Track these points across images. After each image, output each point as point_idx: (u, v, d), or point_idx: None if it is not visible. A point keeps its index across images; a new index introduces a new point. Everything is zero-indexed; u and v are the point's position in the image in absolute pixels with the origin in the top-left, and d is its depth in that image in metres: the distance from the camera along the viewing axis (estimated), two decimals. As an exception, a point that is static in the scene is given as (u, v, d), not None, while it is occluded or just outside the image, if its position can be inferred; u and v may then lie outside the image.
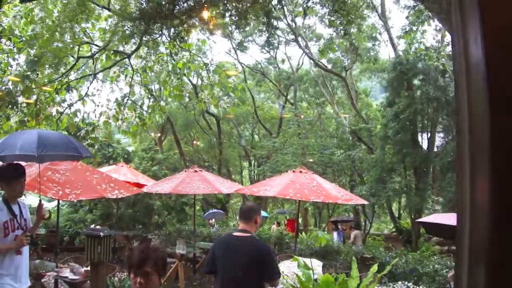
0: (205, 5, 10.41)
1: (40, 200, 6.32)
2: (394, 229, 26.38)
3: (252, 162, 34.81)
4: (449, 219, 6.20)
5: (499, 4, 0.82)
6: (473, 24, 0.84)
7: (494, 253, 0.80)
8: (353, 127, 24.83)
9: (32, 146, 6.06)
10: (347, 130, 24.75)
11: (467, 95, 0.87)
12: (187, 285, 11.85)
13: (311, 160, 24.37)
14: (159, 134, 32.84)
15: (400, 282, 9.85)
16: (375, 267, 7.11)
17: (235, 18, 11.26)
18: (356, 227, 19.21)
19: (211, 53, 29.29)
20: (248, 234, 5.19)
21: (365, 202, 13.74)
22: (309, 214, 32.96)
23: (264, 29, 16.97)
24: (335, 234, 18.33)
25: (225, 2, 10.62)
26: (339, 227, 19.36)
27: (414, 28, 19.24)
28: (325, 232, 16.97)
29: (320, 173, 20.98)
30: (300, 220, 28.21)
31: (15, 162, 5.73)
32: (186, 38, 12.89)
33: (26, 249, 5.37)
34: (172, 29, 11.70)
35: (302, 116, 27.48)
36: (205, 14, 10.48)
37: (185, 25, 11.20)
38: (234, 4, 10.72)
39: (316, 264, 9.51)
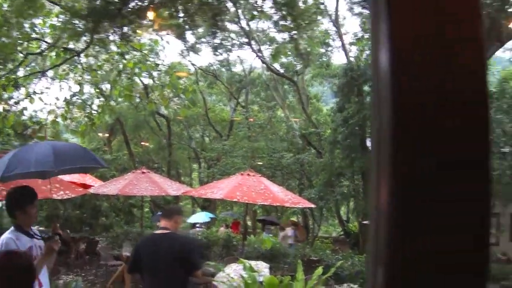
0: (154, 5, 10.36)
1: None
2: (342, 232, 26.77)
3: (202, 164, 34.76)
4: None
5: (405, 13, 0.85)
6: (383, 32, 0.87)
7: (391, 255, 0.84)
8: (303, 131, 25.06)
9: (49, 160, 5.58)
10: (297, 134, 24.97)
11: (377, 104, 0.91)
12: (133, 288, 11.70)
13: (260, 163, 24.51)
14: (107, 135, 32.34)
15: (346, 285, 10.01)
16: (320, 270, 7.20)
17: (183, 19, 11.24)
18: (281, 228, 19.32)
19: (164, 54, 29.18)
20: (169, 231, 5.32)
21: (313, 205, 13.95)
22: (258, 216, 33.08)
23: (212, 31, 17.00)
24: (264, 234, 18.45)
25: (174, 2, 10.59)
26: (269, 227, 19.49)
27: (366, 36, 19.62)
28: (271, 235, 17.03)
29: (269, 176, 21.09)
30: (249, 223, 28.31)
31: (22, 183, 5.27)
32: (136, 37, 12.78)
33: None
34: (122, 28, 11.58)
35: (251, 120, 27.66)
36: (153, 14, 10.43)
37: (133, 25, 11.11)
38: (182, 5, 10.70)
39: (263, 267, 9.55)
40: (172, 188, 13.79)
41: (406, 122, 0.85)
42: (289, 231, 19.16)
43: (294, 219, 30.64)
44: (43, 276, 4.60)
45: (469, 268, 0.83)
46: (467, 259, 0.82)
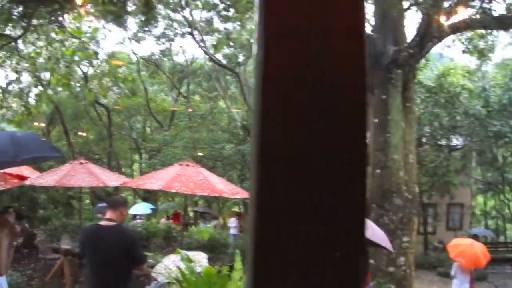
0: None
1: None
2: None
3: (143, 155, 34.47)
4: None
5: (279, 11, 0.89)
6: (260, 28, 0.90)
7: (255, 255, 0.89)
8: (245, 122, 25.19)
9: (9, 150, 5.45)
10: (238, 125, 25.08)
11: (255, 98, 0.93)
12: (73, 282, 11.53)
13: (201, 154, 24.48)
14: (43, 124, 31.46)
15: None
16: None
17: (116, 5, 11.07)
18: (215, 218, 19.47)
19: (106, 42, 28.60)
20: (114, 223, 5.29)
21: (250, 196, 14.06)
22: (198, 207, 33.11)
23: (153, 19, 16.82)
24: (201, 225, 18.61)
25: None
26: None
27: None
28: (209, 226, 17.13)
29: (210, 167, 21.13)
30: (191, 214, 28.32)
31: None
32: (74, 24, 12.53)
33: None
34: (59, 14, 11.33)
35: (190, 110, 27.55)
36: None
37: (69, 11, 10.87)
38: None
39: (201, 257, 9.61)
40: (111, 179, 13.62)
41: (271, 112, 0.87)
42: (232, 221, 19.31)
43: (236, 209, 30.89)
44: None
45: (338, 259, 0.85)
46: (336, 249, 0.85)
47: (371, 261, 9.75)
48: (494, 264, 22.22)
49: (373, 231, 6.05)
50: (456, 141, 24.43)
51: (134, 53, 31.74)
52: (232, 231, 18.81)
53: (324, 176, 0.87)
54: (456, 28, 11.55)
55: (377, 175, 9.52)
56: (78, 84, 21.14)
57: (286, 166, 0.88)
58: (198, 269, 6.50)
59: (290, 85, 0.87)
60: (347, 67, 0.89)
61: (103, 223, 5.44)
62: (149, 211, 23.58)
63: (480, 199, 32.32)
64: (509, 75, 23.91)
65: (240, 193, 12.33)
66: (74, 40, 14.51)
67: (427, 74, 21.02)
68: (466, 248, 12.56)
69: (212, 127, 28.14)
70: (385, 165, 9.47)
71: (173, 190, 11.59)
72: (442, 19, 10.43)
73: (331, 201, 0.87)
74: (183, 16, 26.26)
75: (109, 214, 5.39)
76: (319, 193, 0.87)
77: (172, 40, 30.78)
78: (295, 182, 0.87)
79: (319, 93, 0.88)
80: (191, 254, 8.09)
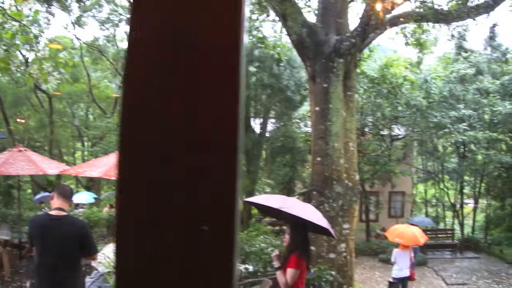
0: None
1: None
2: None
3: (85, 143, 33.78)
4: (273, 200, 6.52)
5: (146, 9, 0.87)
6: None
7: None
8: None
9: None
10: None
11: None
12: (13, 273, 11.18)
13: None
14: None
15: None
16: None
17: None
18: None
19: (49, 26, 27.62)
20: (65, 213, 5.19)
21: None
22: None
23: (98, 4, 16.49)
24: None
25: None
26: None
27: (254, 17, 19.78)
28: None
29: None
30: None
31: None
32: (14, 6, 12.13)
33: None
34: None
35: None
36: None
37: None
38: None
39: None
40: (50, 167, 13.28)
41: (135, 74, 0.86)
42: None
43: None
44: None
45: (207, 233, 0.83)
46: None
47: (312, 247, 9.87)
48: (434, 250, 23.03)
49: (318, 216, 6.11)
50: (398, 131, 24.96)
51: (77, 38, 30.98)
52: None
53: (191, 148, 0.86)
54: (397, 20, 11.75)
55: (318, 163, 9.62)
56: (18, 70, 20.47)
57: (149, 137, 0.86)
58: None
59: (155, 50, 0.85)
60: (219, 28, 0.87)
61: (53, 212, 5.27)
62: (92, 200, 23.11)
63: (420, 187, 33.12)
64: (450, 68, 24.57)
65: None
66: (14, 23, 14.04)
67: (370, 65, 21.33)
68: (403, 230, 13.05)
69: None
70: (326, 153, 9.57)
71: (113, 178, 11.40)
72: (384, 10, 10.58)
73: (199, 174, 0.85)
74: (128, 1, 25.79)
75: (59, 204, 5.24)
76: (185, 166, 0.85)
77: (116, 25, 30.25)
78: (160, 155, 0.86)
79: (185, 56, 0.85)
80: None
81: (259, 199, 7.39)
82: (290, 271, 5.61)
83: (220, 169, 0.85)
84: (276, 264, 5.80)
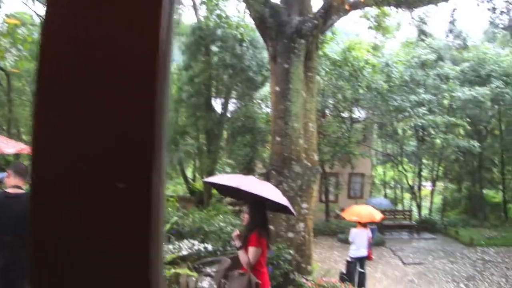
0: None
1: None
2: (187, 191, 27.10)
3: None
4: (232, 179, 6.52)
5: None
6: None
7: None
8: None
9: None
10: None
11: None
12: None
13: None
14: None
15: (186, 240, 10.16)
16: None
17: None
18: None
19: (8, 2, 26.71)
20: (22, 191, 5.11)
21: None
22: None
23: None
24: None
25: None
26: None
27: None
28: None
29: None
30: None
31: None
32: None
33: None
34: None
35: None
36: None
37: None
38: None
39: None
40: (8, 146, 12.95)
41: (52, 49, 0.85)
42: None
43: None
44: None
45: (123, 190, 0.83)
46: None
47: (271, 227, 9.92)
48: (392, 231, 23.45)
49: (277, 194, 6.11)
50: (358, 113, 25.21)
51: (37, 15, 30.12)
52: None
53: (102, 122, 0.84)
54: (359, 3, 11.78)
55: (277, 143, 9.64)
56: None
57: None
58: None
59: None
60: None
61: (9, 190, 5.19)
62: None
63: (380, 169, 33.60)
64: (411, 53, 24.85)
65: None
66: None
67: (333, 48, 21.41)
68: (360, 209, 13.34)
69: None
70: (285, 133, 9.59)
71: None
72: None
73: (113, 132, 0.84)
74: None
75: (15, 182, 5.21)
76: (98, 124, 0.84)
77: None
78: (69, 118, 0.84)
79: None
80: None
81: (218, 179, 7.38)
82: (251, 250, 5.65)
83: (138, 125, 0.84)
84: (237, 243, 5.81)
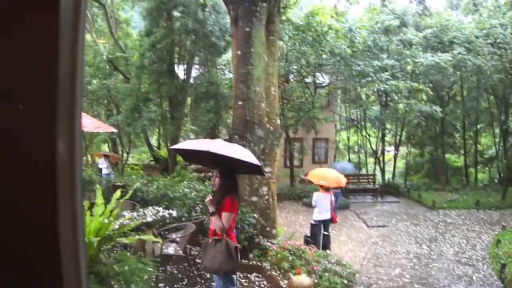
0: None
1: None
2: (152, 158, 26.94)
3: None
4: (200, 144, 6.43)
5: None
6: None
7: None
8: (111, 56, 24.27)
9: None
10: (104, 58, 24.08)
11: None
12: None
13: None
14: None
15: (150, 207, 10.13)
16: (118, 193, 7.19)
17: None
18: None
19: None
20: None
21: (114, 130, 13.77)
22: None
23: None
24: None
25: None
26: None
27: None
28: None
29: (75, 103, 20.20)
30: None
31: None
32: None
33: None
34: None
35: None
36: None
37: None
38: None
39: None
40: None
41: None
42: (101, 162, 18.91)
43: (105, 147, 30.12)
44: None
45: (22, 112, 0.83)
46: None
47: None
48: (356, 194, 23.81)
49: (247, 154, 6.07)
50: (322, 78, 25.26)
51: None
52: (105, 171, 18.41)
53: None
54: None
55: (239, 107, 9.57)
56: None
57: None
58: None
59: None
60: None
61: None
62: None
63: (344, 134, 33.88)
64: (375, 18, 24.89)
65: (102, 127, 12.00)
66: None
67: (296, 12, 21.28)
68: (326, 173, 13.46)
69: (77, 61, 26.61)
70: (247, 97, 9.52)
71: None
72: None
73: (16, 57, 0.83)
74: None
75: None
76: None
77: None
78: None
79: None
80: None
81: (185, 144, 7.27)
82: (225, 215, 5.70)
83: (38, 49, 0.83)
84: (210, 209, 5.82)
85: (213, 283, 8.44)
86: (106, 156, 19.19)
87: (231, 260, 5.71)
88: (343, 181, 13.60)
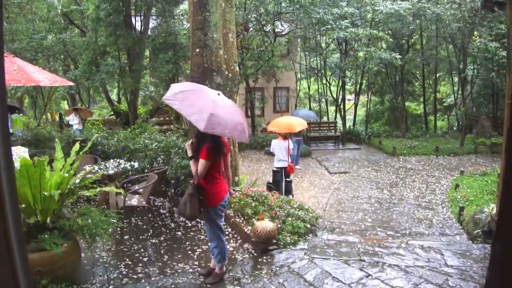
0: None
1: None
2: (112, 113, 26.62)
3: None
4: (192, 97, 6.14)
5: None
6: None
7: None
8: (65, 9, 23.60)
9: None
10: (59, 12, 23.39)
11: None
12: None
13: (19, 46, 22.51)
14: None
15: (112, 160, 10.05)
16: (77, 146, 7.09)
17: None
18: None
19: None
20: None
21: (71, 84, 13.49)
22: (26, 104, 31.20)
23: None
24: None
25: None
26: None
27: None
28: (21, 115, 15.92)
29: (30, 59, 19.70)
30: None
31: None
32: None
33: None
34: None
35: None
36: None
37: None
38: None
39: (21, 151, 9.14)
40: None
41: None
42: (72, 118, 18.56)
43: (64, 103, 29.59)
44: None
45: None
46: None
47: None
48: (318, 142, 24.10)
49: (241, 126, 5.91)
50: (281, 27, 25.09)
51: None
52: (76, 126, 18.09)
53: None
54: None
55: (197, 54, 9.43)
56: None
57: None
58: (18, 164, 6.07)
59: None
60: None
61: None
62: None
63: (304, 83, 33.93)
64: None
65: (59, 81, 11.73)
66: None
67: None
68: (281, 120, 13.66)
69: (31, 16, 25.81)
70: (205, 44, 9.38)
71: None
72: None
73: None
74: None
75: None
76: None
77: None
78: None
79: None
80: (12, 149, 7.57)
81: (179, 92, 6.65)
82: (201, 162, 5.71)
83: None
84: (189, 153, 5.83)
85: (178, 233, 8.52)
86: (76, 110, 18.79)
87: (194, 205, 5.75)
88: (297, 127, 13.75)
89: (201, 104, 5.50)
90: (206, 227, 6.20)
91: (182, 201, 5.82)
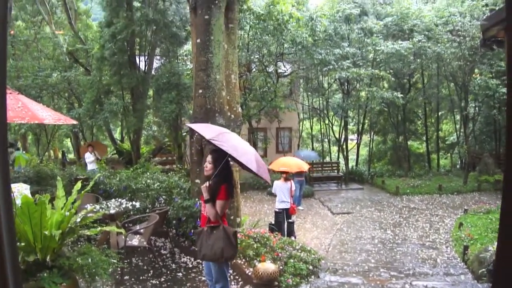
0: None
1: None
2: (114, 151, 26.67)
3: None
4: (215, 136, 6.16)
5: None
6: None
7: None
8: (70, 48, 23.93)
9: None
10: (64, 51, 23.73)
11: None
12: None
13: (25, 83, 22.76)
14: None
15: (113, 199, 10.04)
16: (78, 185, 7.09)
17: None
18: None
19: None
20: None
21: (75, 122, 13.55)
22: (29, 140, 31.36)
23: None
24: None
25: None
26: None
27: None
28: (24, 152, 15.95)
29: (35, 97, 19.90)
30: (20, 149, 26.66)
31: None
32: None
33: None
34: None
35: (12, 32, 25.34)
36: None
37: None
38: None
39: (23, 188, 9.15)
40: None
41: None
42: (88, 156, 18.37)
43: (67, 141, 29.67)
44: None
45: None
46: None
47: (197, 180, 9.91)
48: (320, 182, 24.02)
49: (258, 164, 5.92)
50: (284, 68, 25.33)
51: None
52: (91, 166, 17.71)
53: None
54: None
55: (200, 95, 9.53)
56: None
57: None
58: (19, 201, 6.07)
59: None
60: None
61: None
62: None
63: (307, 124, 34.07)
64: (336, 7, 25.02)
65: (63, 120, 11.81)
66: None
67: (257, 1, 21.27)
68: (287, 160, 13.65)
69: (36, 54, 26.19)
70: (208, 85, 9.48)
71: None
72: None
73: None
74: None
75: None
76: None
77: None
78: None
79: None
80: (12, 186, 7.60)
81: (203, 129, 6.72)
82: (220, 203, 5.72)
83: None
84: (205, 196, 5.78)
85: (179, 274, 8.45)
86: (91, 147, 18.57)
87: (231, 245, 5.71)
88: (305, 167, 13.83)
89: (212, 127, 5.66)
90: (214, 267, 6.03)
91: (209, 246, 5.72)
